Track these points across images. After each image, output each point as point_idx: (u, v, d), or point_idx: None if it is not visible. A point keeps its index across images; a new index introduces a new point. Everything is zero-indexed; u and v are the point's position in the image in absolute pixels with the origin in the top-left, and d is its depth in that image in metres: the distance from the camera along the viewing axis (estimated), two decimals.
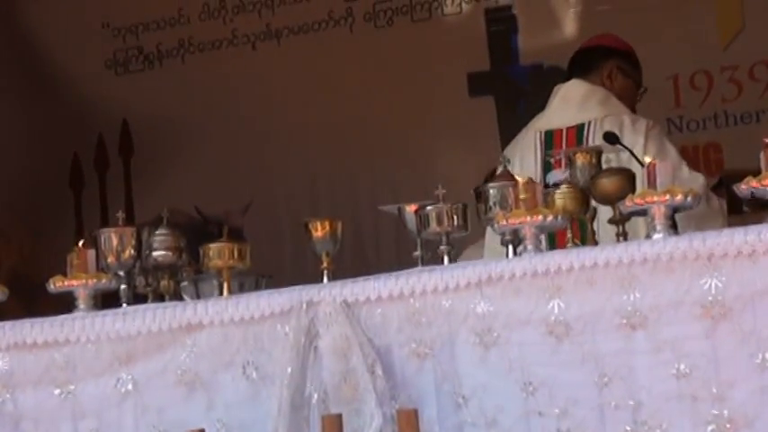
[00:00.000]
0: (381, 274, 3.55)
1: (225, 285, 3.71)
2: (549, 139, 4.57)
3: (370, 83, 6.74)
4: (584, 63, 4.76)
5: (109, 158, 7.22)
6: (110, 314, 3.69)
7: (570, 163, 3.78)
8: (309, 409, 3.42)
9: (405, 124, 6.64)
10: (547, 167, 4.43)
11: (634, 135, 4.47)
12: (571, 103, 4.65)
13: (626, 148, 4.46)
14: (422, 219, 3.70)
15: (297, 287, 3.58)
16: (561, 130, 4.57)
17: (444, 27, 6.85)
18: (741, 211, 3.96)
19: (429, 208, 3.71)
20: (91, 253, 3.74)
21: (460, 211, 3.71)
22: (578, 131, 4.54)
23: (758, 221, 3.26)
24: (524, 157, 4.59)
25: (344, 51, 6.92)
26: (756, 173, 3.28)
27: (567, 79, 4.77)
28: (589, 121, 4.55)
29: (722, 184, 4.95)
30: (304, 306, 3.52)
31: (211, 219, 5.46)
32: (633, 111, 4.78)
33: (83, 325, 3.67)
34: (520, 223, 3.51)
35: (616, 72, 4.74)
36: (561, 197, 3.68)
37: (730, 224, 3.85)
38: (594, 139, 4.47)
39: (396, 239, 5.17)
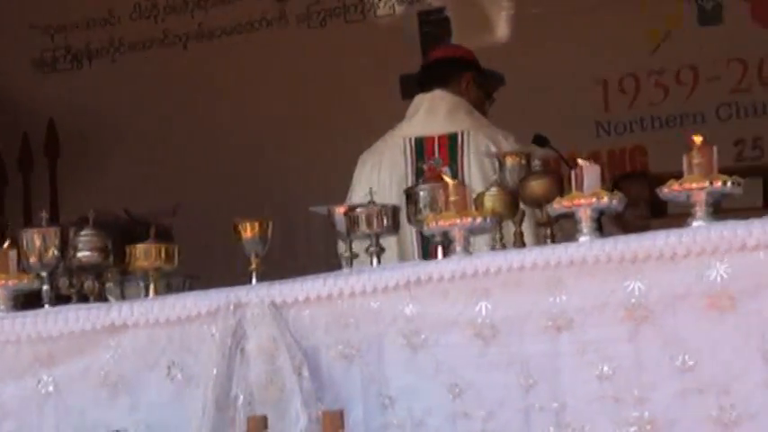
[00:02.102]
0: (309, 276, 3.55)
1: (151, 286, 3.69)
2: (420, 146, 4.64)
3: (303, 84, 6.73)
4: (443, 74, 4.83)
5: (33, 158, 7.14)
6: (30, 315, 3.65)
7: (500, 165, 3.80)
8: (235, 411, 3.41)
9: (337, 125, 6.64)
10: (419, 173, 4.51)
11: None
12: (439, 113, 4.73)
13: (555, 150, 4.52)
14: (351, 220, 3.71)
15: (225, 288, 3.57)
16: (432, 138, 4.65)
17: (377, 29, 6.86)
18: (665, 214, 4.00)
19: (359, 209, 3.72)
20: (12, 253, 3.69)
21: (390, 213, 3.72)
22: (450, 140, 4.62)
23: (680, 224, 3.29)
24: (392, 164, 4.64)
25: (278, 52, 6.91)
26: (679, 176, 3.32)
27: (422, 88, 4.82)
28: (461, 131, 4.63)
29: (618, 187, 5.00)
30: (231, 307, 3.51)
31: (139, 219, 5.42)
32: None
33: (2, 325, 3.64)
34: (450, 225, 3.53)
35: (471, 83, 4.83)
36: (490, 199, 3.70)
37: (653, 227, 3.89)
38: (470, 148, 4.55)
39: (326, 241, 5.16)
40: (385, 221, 3.70)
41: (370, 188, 3.89)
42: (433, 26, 6.76)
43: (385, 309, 3.45)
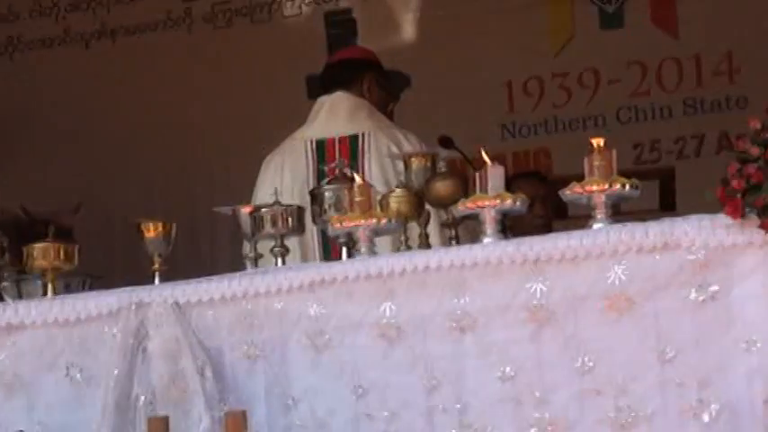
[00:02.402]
0: (213, 276, 3.54)
1: (49, 286, 3.64)
2: (321, 148, 4.63)
3: (209, 84, 6.68)
4: (344, 76, 4.81)
5: None
6: None
7: (406, 166, 3.81)
8: (135, 411, 3.39)
9: (243, 125, 6.60)
10: (321, 176, 4.49)
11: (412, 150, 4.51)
12: (340, 115, 4.71)
13: (461, 152, 4.54)
14: (256, 220, 3.70)
15: (127, 288, 3.55)
16: (333, 140, 4.63)
17: (284, 29, 6.83)
18: (566, 216, 4.04)
19: (264, 210, 3.72)
20: None
21: (295, 214, 3.71)
22: (351, 141, 4.62)
23: (581, 226, 3.33)
24: (295, 166, 4.63)
25: (183, 52, 6.85)
26: (582, 178, 3.36)
27: (325, 90, 4.81)
28: (362, 132, 4.62)
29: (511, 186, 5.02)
30: (133, 307, 3.49)
31: (38, 218, 5.34)
32: None
33: None
34: (354, 226, 3.53)
35: (374, 85, 4.82)
36: (396, 200, 3.71)
37: (555, 229, 3.93)
38: (371, 149, 4.55)
39: (232, 241, 5.14)
40: (290, 222, 3.70)
41: (276, 189, 3.89)
42: (340, 27, 6.75)
43: (289, 309, 3.45)
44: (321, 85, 4.90)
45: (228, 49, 6.80)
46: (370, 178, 4.37)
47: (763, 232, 3.13)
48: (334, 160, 4.58)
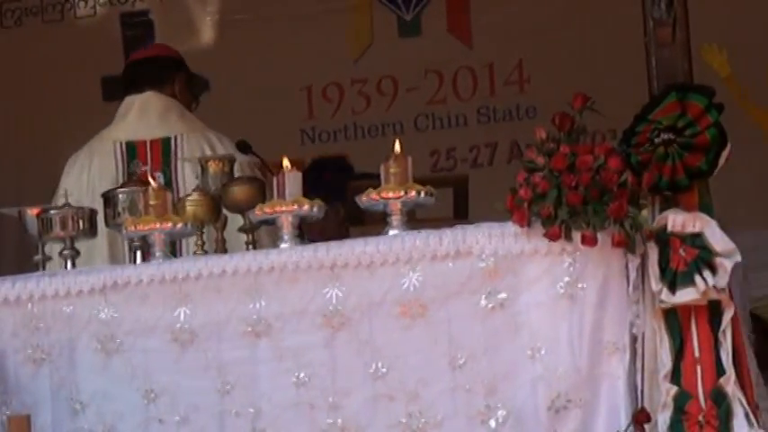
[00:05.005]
0: None
1: None
2: (132, 150, 4.56)
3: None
4: (155, 74, 4.70)
5: None
6: None
7: (202, 170, 3.79)
8: None
9: (34, 127, 6.44)
10: (131, 178, 4.41)
11: (225, 152, 4.48)
12: (151, 116, 4.61)
13: (258, 156, 4.53)
14: (45, 222, 3.62)
15: None
16: (145, 143, 4.56)
17: (78, 30, 6.70)
18: (363, 222, 4.09)
19: (53, 212, 3.65)
20: None
21: (87, 216, 3.65)
22: (164, 144, 4.56)
23: (378, 232, 3.37)
24: (103, 167, 4.53)
25: None
26: (378, 185, 3.39)
27: (133, 88, 4.70)
28: (174, 135, 4.56)
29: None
30: None
31: None
32: None
33: None
34: (149, 230, 3.50)
35: (183, 84, 4.77)
36: (192, 204, 3.68)
37: (352, 235, 3.96)
38: (183, 152, 4.49)
39: (18, 243, 4.99)
40: (81, 224, 3.64)
41: (66, 190, 3.81)
42: (136, 28, 6.66)
43: (78, 312, 3.41)
44: (129, 83, 4.76)
45: (19, 49, 6.61)
46: (183, 181, 4.32)
47: (547, 240, 3.21)
48: (146, 164, 4.49)
